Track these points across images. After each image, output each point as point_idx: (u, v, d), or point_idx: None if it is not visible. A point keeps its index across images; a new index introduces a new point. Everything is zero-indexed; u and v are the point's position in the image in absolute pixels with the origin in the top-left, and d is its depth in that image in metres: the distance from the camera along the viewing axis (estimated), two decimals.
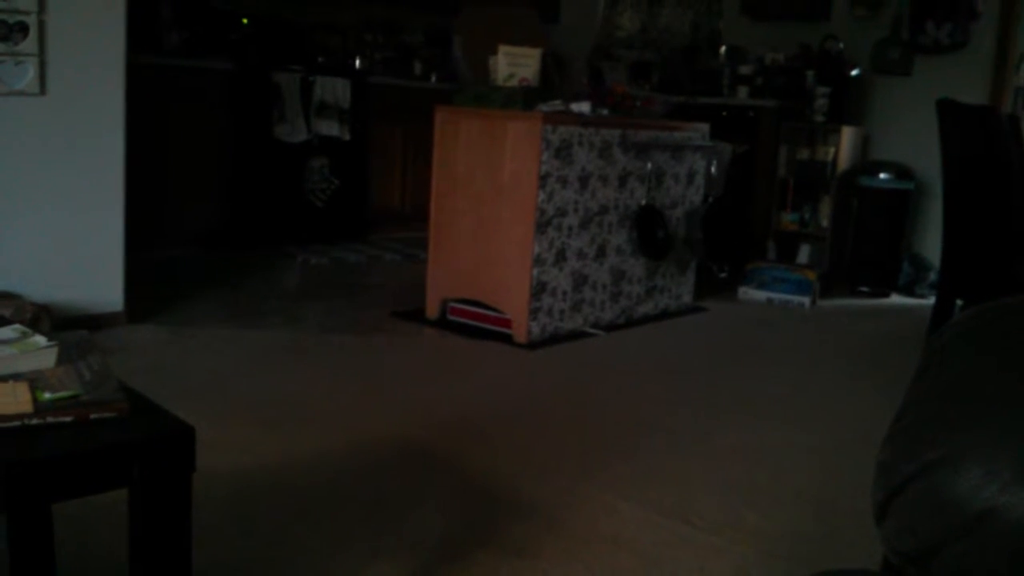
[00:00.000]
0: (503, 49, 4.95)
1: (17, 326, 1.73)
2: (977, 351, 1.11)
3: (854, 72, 6.97)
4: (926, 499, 0.99)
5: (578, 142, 4.73)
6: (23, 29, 3.94)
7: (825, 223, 6.93)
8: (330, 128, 7.02)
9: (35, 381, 1.50)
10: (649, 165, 5.21)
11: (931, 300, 5.51)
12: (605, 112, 5.02)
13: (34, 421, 1.40)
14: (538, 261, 4.65)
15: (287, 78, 6.73)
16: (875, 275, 6.82)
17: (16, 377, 1.51)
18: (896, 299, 6.75)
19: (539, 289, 4.69)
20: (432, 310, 5.05)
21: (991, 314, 1.17)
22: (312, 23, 7.50)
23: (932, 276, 6.65)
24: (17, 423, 1.39)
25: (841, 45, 7.01)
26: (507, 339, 4.71)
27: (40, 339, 1.65)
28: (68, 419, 1.42)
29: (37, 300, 4.04)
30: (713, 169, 5.80)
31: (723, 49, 7.38)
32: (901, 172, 6.75)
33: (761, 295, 6.24)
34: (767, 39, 7.33)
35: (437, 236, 5.01)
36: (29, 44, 3.97)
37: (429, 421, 3.52)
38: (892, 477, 1.05)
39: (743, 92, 7.21)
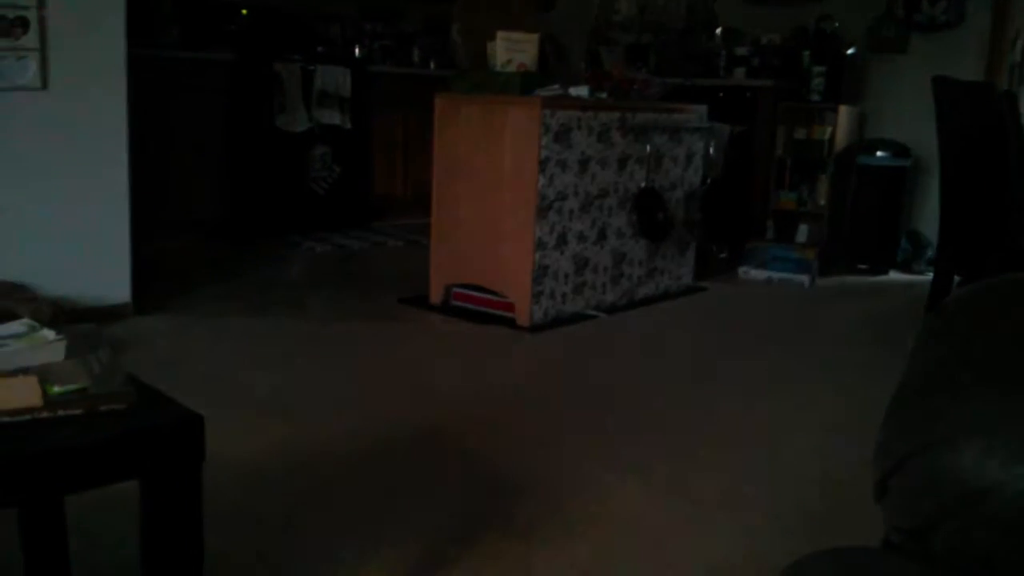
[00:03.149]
0: (501, 35, 4.95)
1: (26, 320, 1.74)
2: (973, 329, 1.14)
3: (850, 51, 6.96)
4: (925, 477, 1.02)
5: (577, 126, 4.74)
6: (24, 24, 3.96)
7: (823, 202, 6.95)
8: (331, 117, 7.04)
9: (44, 375, 1.52)
10: (648, 148, 5.23)
11: (929, 276, 5.53)
12: (603, 96, 5.04)
13: (44, 415, 1.42)
14: (540, 245, 4.67)
15: (287, 68, 6.74)
16: (873, 252, 6.84)
17: (26, 371, 1.53)
18: (894, 276, 6.77)
19: (541, 273, 4.72)
20: (436, 296, 5.08)
21: (987, 292, 1.20)
22: (311, 12, 7.50)
23: (930, 252, 6.66)
24: (28, 417, 1.40)
25: (837, 24, 7.02)
26: (510, 323, 4.74)
27: (48, 333, 1.66)
28: (78, 412, 1.44)
29: (44, 293, 4.08)
30: (711, 150, 5.82)
31: (719, 31, 7.38)
32: (898, 150, 6.75)
33: (761, 274, 6.27)
34: (763, 20, 7.34)
35: (439, 222, 5.03)
36: (30, 39, 3.99)
37: (434, 406, 3.55)
38: (891, 455, 1.08)
39: (740, 73, 7.22)
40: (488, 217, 4.79)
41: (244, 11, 7.01)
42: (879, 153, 6.77)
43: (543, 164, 4.58)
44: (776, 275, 6.22)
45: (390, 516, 2.60)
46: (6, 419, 1.39)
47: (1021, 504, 0.94)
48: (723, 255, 6.64)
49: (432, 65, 8.07)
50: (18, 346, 1.59)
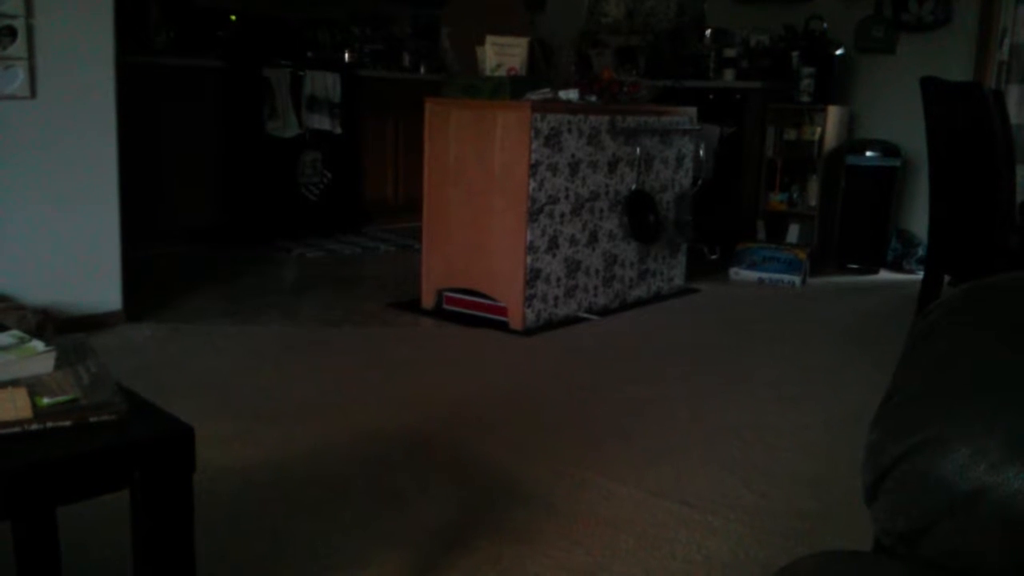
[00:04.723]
0: (490, 39, 4.96)
1: (15, 331, 1.73)
2: (963, 331, 1.14)
3: (839, 52, 6.98)
4: (915, 479, 1.02)
5: (567, 129, 4.75)
6: (11, 33, 3.95)
7: (813, 202, 6.96)
8: (321, 122, 7.04)
9: (33, 386, 1.51)
10: (638, 150, 5.24)
11: (919, 275, 5.54)
12: (593, 99, 5.04)
13: (34, 427, 1.41)
14: (531, 248, 4.67)
15: (277, 74, 6.74)
16: (864, 252, 6.86)
17: (15, 383, 1.52)
18: (885, 275, 6.79)
19: (533, 276, 4.72)
20: (428, 300, 5.08)
21: (977, 294, 1.20)
22: (300, 18, 7.50)
23: (920, 251, 6.70)
24: (17, 429, 1.39)
25: (825, 25, 7.03)
26: (503, 327, 4.74)
27: (38, 344, 1.65)
28: (67, 423, 1.43)
29: (35, 302, 4.07)
30: (701, 152, 5.83)
31: (708, 32, 7.39)
32: (887, 149, 6.77)
33: (752, 275, 6.27)
34: (752, 21, 7.35)
35: (430, 226, 5.03)
36: (18, 48, 3.98)
37: (428, 411, 3.54)
38: (881, 458, 1.08)
39: (729, 74, 7.23)
40: (479, 221, 4.79)
41: (233, 17, 7.01)
42: (868, 153, 6.79)
43: (534, 168, 4.59)
44: (767, 275, 6.23)
45: (384, 521, 2.60)
46: None
47: (1012, 506, 0.94)
48: (714, 256, 6.64)
49: (422, 69, 8.07)
50: (7, 358, 1.59)
